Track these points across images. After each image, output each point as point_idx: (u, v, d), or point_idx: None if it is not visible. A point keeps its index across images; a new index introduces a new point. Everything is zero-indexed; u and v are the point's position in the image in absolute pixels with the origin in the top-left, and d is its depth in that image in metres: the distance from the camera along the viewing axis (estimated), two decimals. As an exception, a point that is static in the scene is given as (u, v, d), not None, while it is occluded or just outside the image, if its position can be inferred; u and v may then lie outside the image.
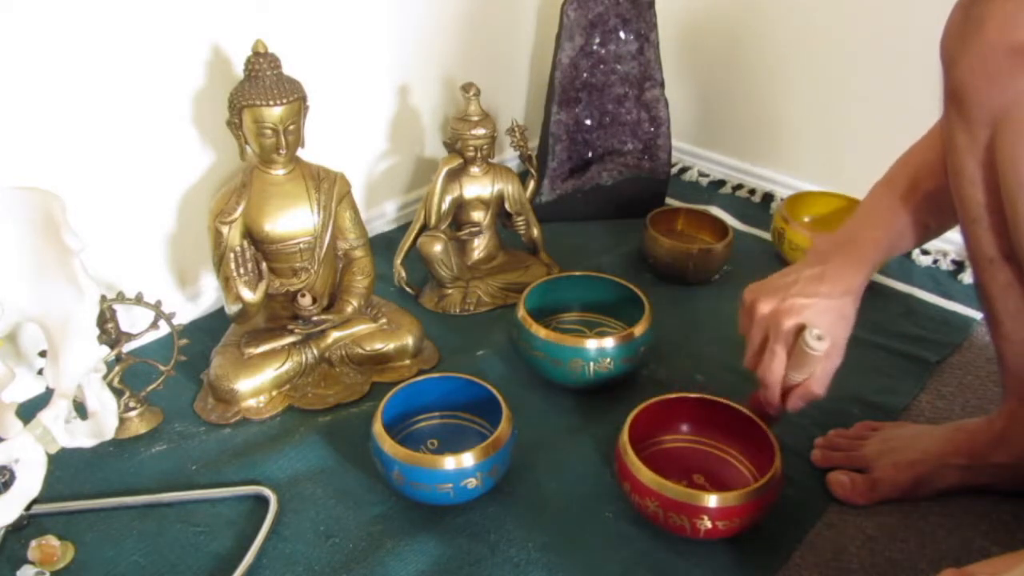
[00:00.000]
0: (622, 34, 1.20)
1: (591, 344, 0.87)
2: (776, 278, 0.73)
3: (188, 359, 0.88)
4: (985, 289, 0.70)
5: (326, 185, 0.92)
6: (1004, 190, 0.60)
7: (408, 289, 1.10)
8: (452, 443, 0.84)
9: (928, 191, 0.72)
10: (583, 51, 1.19)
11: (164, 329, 0.86)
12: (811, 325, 0.67)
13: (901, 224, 0.73)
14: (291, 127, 0.86)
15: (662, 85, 1.23)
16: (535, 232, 1.14)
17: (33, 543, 0.71)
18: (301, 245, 0.91)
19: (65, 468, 0.80)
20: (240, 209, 0.88)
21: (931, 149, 0.72)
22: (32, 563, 0.70)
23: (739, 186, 1.40)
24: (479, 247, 1.12)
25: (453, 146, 1.06)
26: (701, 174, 1.44)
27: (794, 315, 0.68)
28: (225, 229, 0.88)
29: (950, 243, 1.17)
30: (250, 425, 0.88)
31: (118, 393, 0.83)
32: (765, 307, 0.70)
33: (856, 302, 0.70)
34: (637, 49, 1.21)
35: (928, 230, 0.74)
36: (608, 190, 1.27)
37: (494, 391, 0.81)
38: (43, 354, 0.75)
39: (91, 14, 0.82)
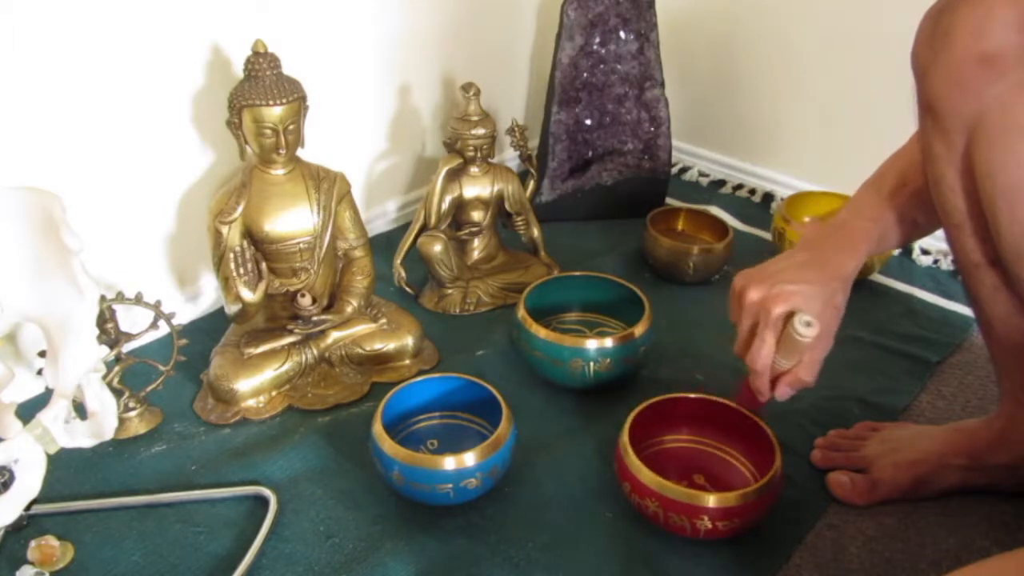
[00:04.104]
0: (622, 34, 1.20)
1: (591, 344, 0.87)
2: (767, 265, 0.72)
3: (188, 359, 0.88)
4: (974, 294, 0.70)
5: (326, 185, 0.92)
6: (983, 197, 0.60)
7: (408, 289, 1.09)
8: (452, 443, 0.84)
9: (916, 188, 0.71)
10: (583, 51, 1.19)
11: (164, 329, 0.86)
12: (800, 312, 0.66)
13: (890, 217, 0.73)
14: (291, 127, 0.86)
15: (662, 85, 1.23)
16: (535, 232, 1.14)
17: (32, 543, 0.71)
18: (301, 245, 0.91)
19: (65, 468, 0.80)
20: (240, 209, 0.88)
21: (917, 150, 0.72)
22: (31, 563, 0.70)
23: (739, 186, 1.40)
24: (479, 247, 1.12)
25: (453, 146, 1.06)
26: (701, 174, 1.44)
27: (783, 301, 0.67)
28: (225, 229, 0.88)
29: (950, 243, 1.17)
30: (250, 425, 0.88)
31: (118, 393, 0.83)
32: (754, 294, 0.69)
33: (846, 290, 0.70)
34: (637, 49, 1.21)
35: (918, 227, 0.74)
36: (608, 190, 1.27)
37: (494, 391, 0.81)
38: (43, 354, 0.74)
39: (91, 14, 0.82)
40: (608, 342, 0.88)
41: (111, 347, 0.82)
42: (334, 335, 0.94)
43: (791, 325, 0.66)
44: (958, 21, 0.57)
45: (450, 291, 1.08)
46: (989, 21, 0.55)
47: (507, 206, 1.10)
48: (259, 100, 0.83)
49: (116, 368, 0.84)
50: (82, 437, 0.65)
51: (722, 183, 1.41)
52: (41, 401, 0.64)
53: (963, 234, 0.65)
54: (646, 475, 0.71)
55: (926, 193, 0.70)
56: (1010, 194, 0.58)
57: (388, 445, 0.74)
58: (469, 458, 0.73)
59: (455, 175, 1.07)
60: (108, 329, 0.82)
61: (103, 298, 0.78)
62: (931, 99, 0.61)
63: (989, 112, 0.58)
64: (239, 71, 0.86)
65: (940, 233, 0.72)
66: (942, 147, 0.62)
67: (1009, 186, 0.58)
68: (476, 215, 1.10)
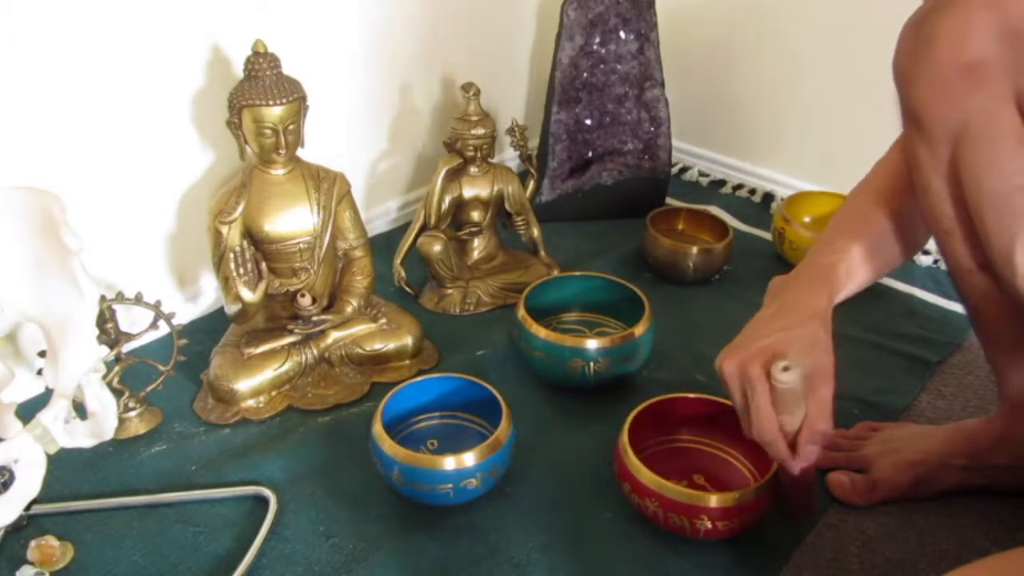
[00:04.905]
0: (622, 34, 1.20)
1: (591, 344, 0.87)
2: (740, 334, 0.70)
3: (188, 359, 0.88)
4: (968, 298, 0.70)
5: (326, 185, 0.92)
6: (970, 204, 0.60)
7: (408, 289, 1.09)
8: (452, 443, 0.84)
9: (888, 214, 0.71)
10: (583, 51, 1.19)
11: (164, 329, 0.86)
12: (779, 359, 0.63)
13: (859, 248, 0.71)
14: (291, 127, 0.86)
15: (662, 85, 1.23)
16: (535, 232, 1.14)
17: (32, 543, 0.71)
18: (301, 245, 0.91)
19: (65, 468, 0.80)
20: (240, 209, 0.88)
21: (890, 169, 0.73)
22: (31, 563, 0.70)
23: (739, 186, 1.40)
24: (479, 247, 1.12)
25: (453, 146, 1.06)
26: (701, 174, 1.44)
27: (759, 357, 0.65)
28: (225, 229, 0.88)
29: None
30: (250, 425, 0.88)
31: (118, 393, 0.83)
32: (731, 365, 0.67)
33: (827, 325, 0.66)
34: (637, 49, 1.21)
35: (903, 251, 0.73)
36: (608, 190, 1.27)
37: (494, 391, 0.81)
38: (43, 354, 0.74)
39: (91, 14, 0.82)
40: (608, 342, 0.88)
41: (111, 347, 0.82)
42: (334, 335, 0.94)
43: (772, 378, 0.63)
44: (939, 30, 0.56)
45: (450, 291, 1.08)
46: (969, 30, 0.55)
47: (507, 206, 1.10)
48: (259, 100, 0.83)
49: (116, 368, 0.84)
50: (82, 437, 0.65)
51: (722, 183, 1.41)
52: (41, 401, 0.64)
53: (953, 240, 0.65)
54: (646, 475, 0.71)
55: (899, 217, 0.70)
56: (996, 200, 0.58)
57: (388, 445, 0.74)
58: (469, 458, 0.73)
59: (455, 175, 1.07)
60: (108, 329, 0.82)
61: (103, 298, 0.78)
62: (915, 108, 0.61)
63: (973, 120, 0.57)
64: (239, 71, 0.86)
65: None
66: (928, 155, 0.62)
67: (995, 192, 0.58)
68: (476, 215, 1.10)
